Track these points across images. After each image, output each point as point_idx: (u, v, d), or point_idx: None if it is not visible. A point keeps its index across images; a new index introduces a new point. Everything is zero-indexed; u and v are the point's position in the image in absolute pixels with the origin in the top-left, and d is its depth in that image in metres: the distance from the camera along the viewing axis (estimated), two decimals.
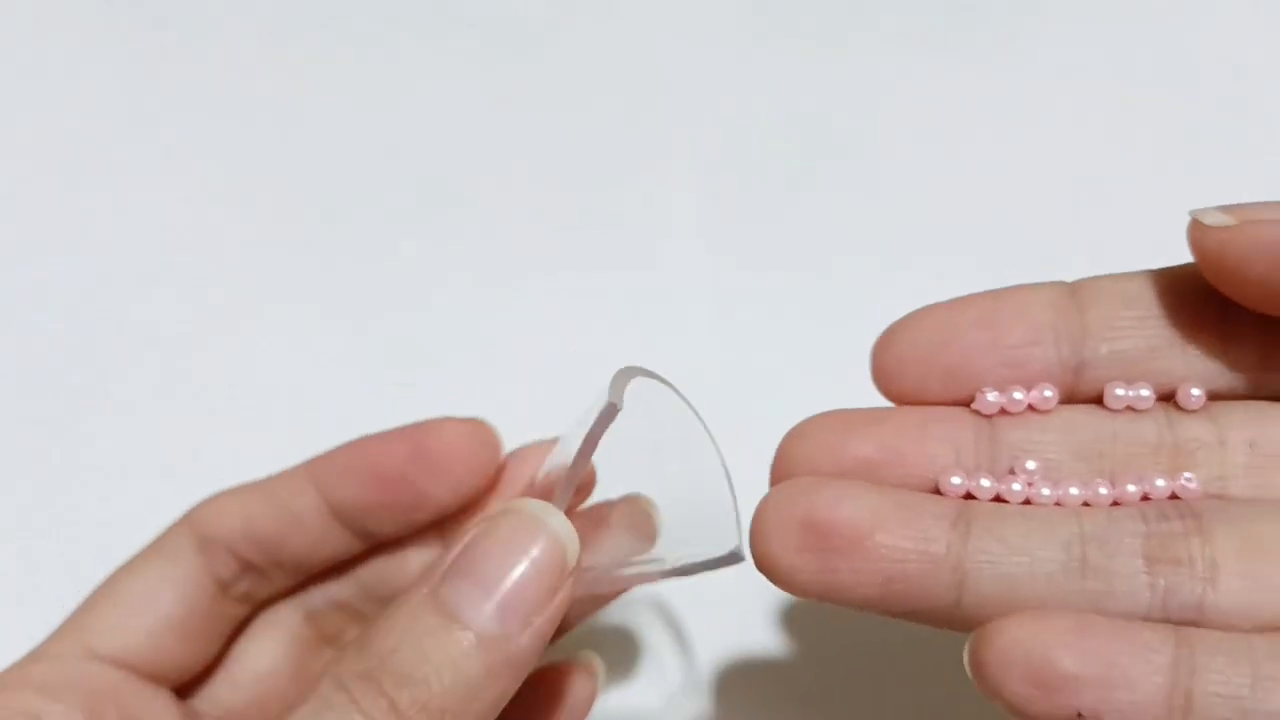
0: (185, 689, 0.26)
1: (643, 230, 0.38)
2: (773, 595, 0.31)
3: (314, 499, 0.25)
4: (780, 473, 0.21)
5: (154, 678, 0.25)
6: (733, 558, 0.21)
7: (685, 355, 0.35)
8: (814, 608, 0.31)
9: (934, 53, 0.39)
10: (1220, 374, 0.21)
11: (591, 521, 0.24)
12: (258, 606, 0.26)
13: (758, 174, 0.38)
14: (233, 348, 0.36)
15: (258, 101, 0.41)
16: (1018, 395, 0.21)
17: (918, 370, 0.21)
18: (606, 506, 0.25)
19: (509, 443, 0.28)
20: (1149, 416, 0.21)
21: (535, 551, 0.20)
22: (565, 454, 0.22)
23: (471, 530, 0.20)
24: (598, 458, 0.21)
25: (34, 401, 0.36)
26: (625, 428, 0.21)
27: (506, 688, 0.19)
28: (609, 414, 0.20)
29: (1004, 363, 0.21)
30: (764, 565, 0.20)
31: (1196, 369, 0.21)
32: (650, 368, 0.22)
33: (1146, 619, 0.18)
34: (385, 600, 0.27)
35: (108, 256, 0.38)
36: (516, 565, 0.19)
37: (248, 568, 0.25)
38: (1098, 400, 0.21)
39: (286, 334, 0.36)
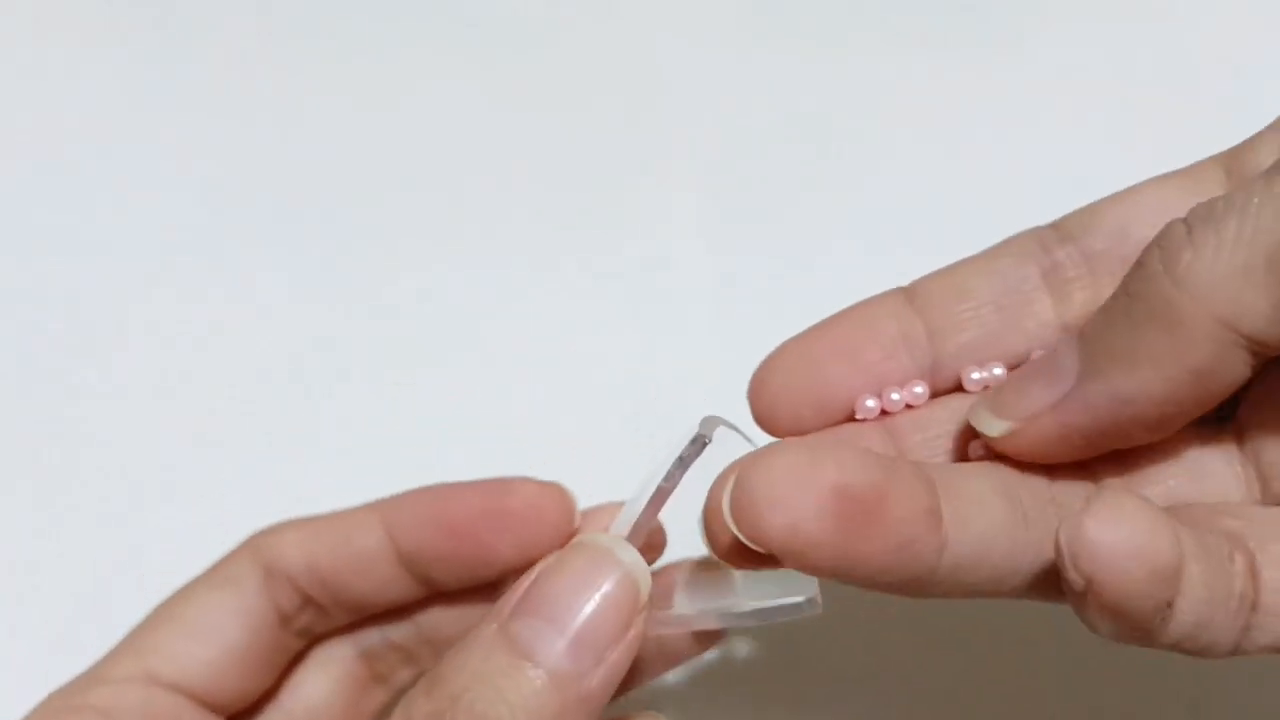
0: (241, 717, 0.26)
1: (643, 230, 0.37)
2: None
3: (382, 541, 0.25)
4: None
5: (211, 706, 0.24)
6: (809, 605, 0.21)
7: (685, 355, 0.35)
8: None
9: (934, 53, 0.39)
10: (1061, 335, 0.22)
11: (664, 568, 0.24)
12: (313, 641, 0.26)
13: (758, 174, 0.38)
14: (232, 348, 0.36)
15: (258, 102, 0.41)
16: (895, 396, 0.22)
17: (792, 409, 0.22)
18: (674, 566, 0.25)
19: (509, 440, 0.27)
20: None
21: (607, 586, 0.19)
22: (635, 509, 0.22)
23: (540, 564, 0.20)
24: (674, 507, 0.21)
25: (33, 401, 0.36)
26: (700, 477, 0.20)
27: None
28: (698, 446, 0.21)
29: (867, 383, 0.22)
30: (782, 538, 0.17)
31: (1039, 338, 0.22)
32: (729, 418, 0.22)
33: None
34: (441, 646, 0.26)
35: (108, 256, 0.38)
36: (588, 601, 0.19)
37: (309, 602, 0.25)
38: (960, 388, 0.22)
39: (287, 334, 0.36)
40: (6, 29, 0.42)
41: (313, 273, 0.37)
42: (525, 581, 0.20)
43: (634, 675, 0.25)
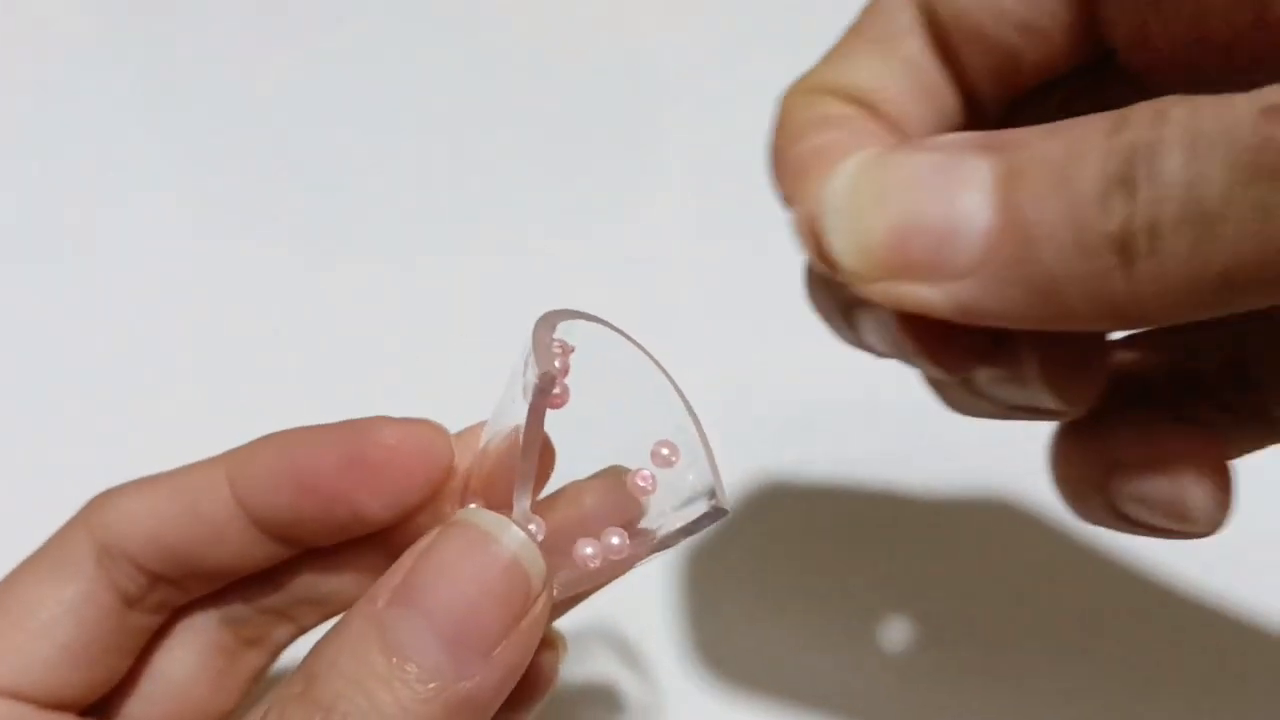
0: (97, 705, 0.23)
1: (638, 230, 0.37)
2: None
3: (231, 505, 0.22)
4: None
5: (56, 705, 0.22)
6: (716, 513, 0.19)
7: (681, 358, 0.35)
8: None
9: None
10: None
11: (564, 509, 0.21)
12: (177, 612, 0.24)
13: (753, 172, 0.38)
14: (227, 342, 0.36)
15: (257, 99, 0.41)
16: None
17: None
18: (578, 487, 0.21)
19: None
20: None
21: (489, 577, 0.17)
22: (504, 418, 0.20)
23: (417, 544, 0.18)
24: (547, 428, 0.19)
25: (20, 396, 0.35)
26: (573, 386, 0.19)
27: None
28: (545, 385, 0.18)
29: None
30: None
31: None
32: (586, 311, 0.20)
33: None
34: (316, 604, 0.24)
35: (96, 254, 0.38)
36: (467, 594, 0.17)
37: (159, 579, 0.22)
38: None
39: (281, 328, 0.36)
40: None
41: (311, 265, 0.37)
42: (404, 563, 0.18)
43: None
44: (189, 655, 0.24)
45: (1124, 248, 0.14)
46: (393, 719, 0.17)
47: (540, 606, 0.18)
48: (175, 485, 0.22)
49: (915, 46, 0.20)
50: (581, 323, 0.19)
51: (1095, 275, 0.15)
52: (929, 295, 0.16)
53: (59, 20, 0.42)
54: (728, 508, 0.19)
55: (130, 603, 0.22)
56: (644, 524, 0.20)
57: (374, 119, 0.40)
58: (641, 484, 0.19)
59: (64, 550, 0.22)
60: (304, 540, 0.22)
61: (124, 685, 0.23)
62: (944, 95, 0.20)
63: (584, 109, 0.40)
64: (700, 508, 0.19)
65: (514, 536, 0.18)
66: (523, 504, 0.18)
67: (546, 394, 0.18)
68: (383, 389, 0.35)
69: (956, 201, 0.16)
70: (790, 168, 0.19)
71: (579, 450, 0.20)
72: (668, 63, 0.40)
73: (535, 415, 0.18)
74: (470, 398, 0.34)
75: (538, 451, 0.18)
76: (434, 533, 0.18)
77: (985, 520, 0.32)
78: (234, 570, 0.23)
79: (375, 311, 0.36)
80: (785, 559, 0.31)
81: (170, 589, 0.23)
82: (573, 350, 0.19)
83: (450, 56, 0.41)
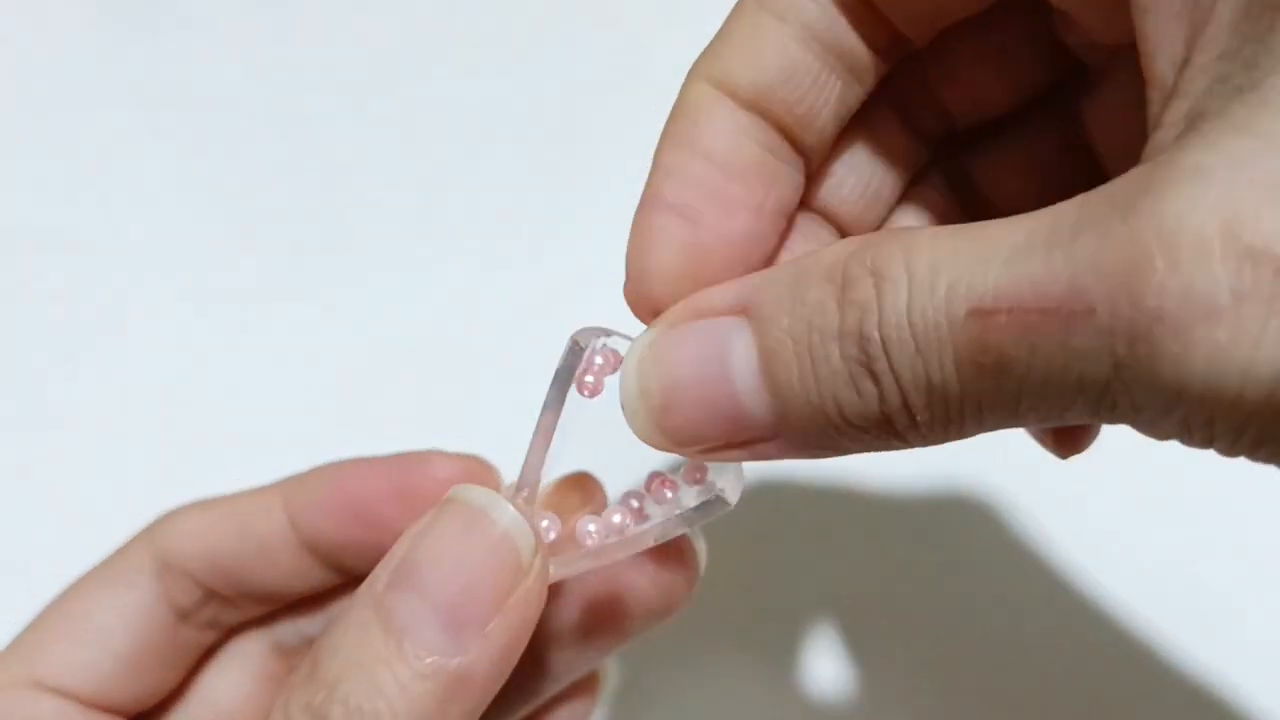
0: (146, 716, 0.24)
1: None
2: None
3: (284, 528, 0.23)
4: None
5: (106, 709, 0.23)
6: (716, 503, 0.20)
7: None
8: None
9: None
10: None
11: (571, 495, 0.23)
12: (228, 632, 0.24)
13: None
14: (218, 348, 0.36)
15: (250, 104, 0.40)
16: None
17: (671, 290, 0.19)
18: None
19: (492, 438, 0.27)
20: None
21: (480, 552, 0.18)
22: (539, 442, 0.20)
23: (416, 525, 0.19)
24: (573, 432, 0.19)
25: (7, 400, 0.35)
26: (596, 404, 0.19)
27: (469, 707, 0.18)
28: (572, 357, 0.19)
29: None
30: None
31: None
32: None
33: None
34: None
35: (94, 254, 0.37)
36: (459, 569, 0.18)
37: (212, 595, 0.23)
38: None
39: (284, 335, 0.37)
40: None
41: (319, 269, 0.38)
42: (403, 544, 0.18)
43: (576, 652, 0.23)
44: (239, 679, 0.24)
45: (886, 422, 0.16)
46: (392, 697, 0.17)
47: (533, 579, 0.18)
48: (233, 506, 0.23)
49: (820, 12, 0.20)
50: (602, 338, 0.20)
51: (871, 438, 0.17)
52: (739, 454, 0.18)
53: (57, 21, 0.42)
54: (729, 500, 0.20)
55: (184, 616, 0.23)
56: (652, 513, 0.21)
57: (411, 135, 0.40)
58: (665, 489, 0.20)
59: (125, 563, 0.23)
60: (352, 566, 0.23)
61: (173, 702, 0.24)
62: (855, 53, 0.20)
63: (628, 124, 0.40)
64: (705, 497, 0.20)
65: (503, 511, 0.18)
66: (529, 477, 0.19)
67: (574, 364, 0.19)
68: (424, 410, 0.35)
69: (735, 386, 0.17)
70: (636, 232, 0.19)
71: (618, 469, 0.22)
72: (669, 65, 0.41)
73: (559, 380, 0.19)
74: (503, 414, 0.35)
75: (555, 424, 0.19)
76: (430, 513, 0.19)
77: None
78: (283, 592, 0.24)
79: (411, 327, 0.37)
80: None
81: (222, 606, 0.24)
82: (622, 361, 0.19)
83: (479, 64, 0.41)
